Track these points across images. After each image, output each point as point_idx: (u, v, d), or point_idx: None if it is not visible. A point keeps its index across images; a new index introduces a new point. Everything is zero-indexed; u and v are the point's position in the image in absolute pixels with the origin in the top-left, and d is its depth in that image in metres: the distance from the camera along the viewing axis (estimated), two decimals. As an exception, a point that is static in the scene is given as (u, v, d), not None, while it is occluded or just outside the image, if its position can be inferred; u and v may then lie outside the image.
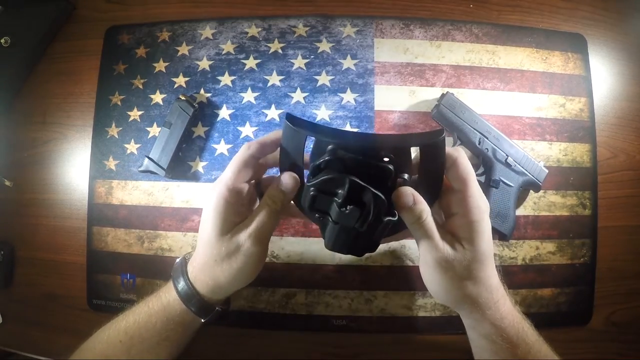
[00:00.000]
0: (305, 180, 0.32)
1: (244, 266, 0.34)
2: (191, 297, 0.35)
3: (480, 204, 0.32)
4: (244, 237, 0.33)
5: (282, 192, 0.33)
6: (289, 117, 0.32)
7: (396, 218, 0.31)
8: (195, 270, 0.36)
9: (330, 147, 0.31)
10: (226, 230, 0.33)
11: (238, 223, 0.34)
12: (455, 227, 0.33)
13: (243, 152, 0.34)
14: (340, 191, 0.29)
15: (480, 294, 0.32)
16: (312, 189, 0.30)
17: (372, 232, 0.31)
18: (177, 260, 0.38)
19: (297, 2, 0.53)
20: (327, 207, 0.30)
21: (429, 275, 0.33)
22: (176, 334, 0.37)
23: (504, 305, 0.33)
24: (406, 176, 0.33)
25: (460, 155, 0.32)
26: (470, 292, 0.32)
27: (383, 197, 0.29)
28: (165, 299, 0.36)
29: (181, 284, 0.36)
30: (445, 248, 0.32)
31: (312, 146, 0.33)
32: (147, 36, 0.54)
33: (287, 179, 0.33)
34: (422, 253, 0.33)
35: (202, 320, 0.36)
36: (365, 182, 0.29)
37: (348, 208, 0.29)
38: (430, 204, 0.33)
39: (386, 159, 0.30)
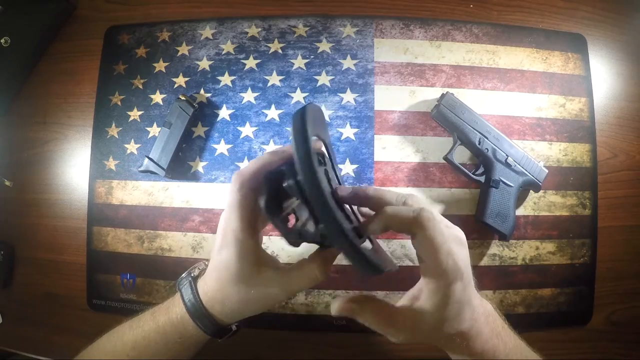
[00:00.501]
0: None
1: (265, 304, 0.33)
2: (206, 323, 0.34)
3: (448, 265, 0.30)
4: (280, 290, 0.32)
5: (325, 270, 0.32)
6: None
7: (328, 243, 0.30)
8: (209, 293, 0.34)
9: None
10: (251, 247, 0.32)
11: (257, 228, 0.33)
12: (425, 285, 0.32)
13: (270, 154, 0.32)
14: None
15: (446, 344, 0.33)
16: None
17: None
18: (183, 275, 0.37)
19: (297, 2, 0.53)
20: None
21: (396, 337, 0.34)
22: (188, 352, 0.36)
23: (474, 344, 0.33)
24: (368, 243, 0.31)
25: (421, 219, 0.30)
26: (437, 343, 0.34)
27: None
28: (174, 314, 0.35)
29: (193, 305, 0.34)
30: (404, 332, 0.32)
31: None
32: (147, 36, 0.54)
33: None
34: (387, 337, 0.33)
35: (219, 340, 0.36)
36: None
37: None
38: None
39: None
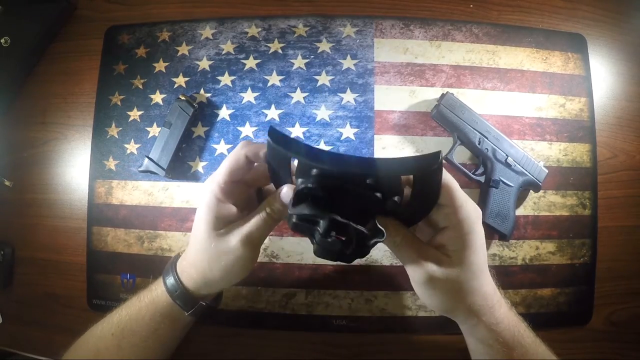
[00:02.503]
0: (289, 203, 0.30)
1: (232, 266, 0.34)
2: (176, 289, 0.36)
3: (469, 214, 0.31)
4: (236, 238, 0.33)
5: (281, 203, 0.33)
6: (272, 132, 0.29)
7: (384, 238, 0.30)
8: (184, 264, 0.36)
9: (314, 171, 0.29)
10: (217, 227, 0.33)
11: (230, 222, 0.34)
12: (445, 241, 0.32)
13: (237, 151, 0.33)
14: (322, 222, 0.28)
15: (474, 302, 0.33)
16: (293, 217, 0.29)
17: (360, 248, 0.30)
18: (173, 256, 0.39)
19: (297, 2, 0.53)
20: (310, 232, 0.30)
21: (420, 292, 0.34)
22: (165, 327, 0.37)
23: (499, 309, 0.33)
24: (396, 198, 0.31)
25: None
26: (463, 302, 0.33)
27: (365, 231, 0.28)
28: (154, 292, 0.37)
29: (169, 278, 0.36)
30: (428, 267, 0.32)
31: (296, 162, 0.32)
32: (147, 36, 0.54)
33: (287, 192, 0.32)
34: (409, 273, 0.34)
35: (186, 314, 0.36)
36: (350, 211, 0.28)
37: (330, 238, 0.28)
38: (418, 221, 0.33)
39: (373, 186, 0.29)
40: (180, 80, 0.52)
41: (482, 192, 0.48)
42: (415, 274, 0.32)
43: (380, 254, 0.49)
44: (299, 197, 0.29)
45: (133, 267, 0.50)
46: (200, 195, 0.35)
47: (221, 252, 0.33)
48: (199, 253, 0.34)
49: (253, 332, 0.48)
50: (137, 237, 0.51)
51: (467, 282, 0.32)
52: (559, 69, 0.52)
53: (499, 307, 0.33)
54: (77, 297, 0.51)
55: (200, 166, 0.51)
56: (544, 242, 0.49)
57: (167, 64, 0.53)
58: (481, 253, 0.32)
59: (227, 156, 0.34)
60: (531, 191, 0.49)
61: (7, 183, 0.53)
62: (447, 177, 0.31)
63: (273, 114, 0.51)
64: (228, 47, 0.52)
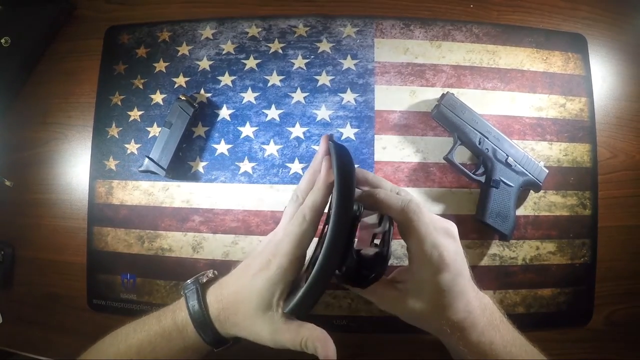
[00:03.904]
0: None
1: (259, 335, 0.33)
2: (205, 326, 0.34)
3: (430, 251, 0.32)
4: (305, 333, 0.32)
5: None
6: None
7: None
8: (223, 302, 0.34)
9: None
10: (284, 296, 0.32)
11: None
12: (404, 277, 0.35)
13: (304, 225, 0.31)
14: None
15: (439, 333, 0.35)
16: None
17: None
18: (190, 281, 0.36)
19: (297, 2, 0.53)
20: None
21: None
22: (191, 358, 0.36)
23: (470, 335, 0.34)
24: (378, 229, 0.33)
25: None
26: (429, 330, 0.35)
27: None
28: (180, 322, 0.34)
29: (195, 310, 0.34)
30: (392, 306, 0.34)
31: None
32: (147, 36, 0.54)
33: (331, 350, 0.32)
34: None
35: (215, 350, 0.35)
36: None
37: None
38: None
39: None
40: (181, 80, 0.52)
41: (482, 192, 0.48)
42: (392, 311, 0.35)
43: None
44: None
45: (133, 267, 0.50)
46: (280, 230, 0.34)
47: (285, 330, 0.32)
48: (246, 308, 0.32)
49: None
50: (137, 237, 0.51)
51: (432, 317, 0.34)
52: (559, 69, 0.52)
53: (471, 332, 0.34)
54: (77, 297, 0.51)
55: (200, 166, 0.51)
56: (544, 242, 0.49)
57: (167, 64, 0.53)
58: (443, 296, 0.33)
59: (293, 223, 0.32)
60: (531, 191, 0.49)
61: (7, 183, 0.53)
62: (415, 218, 0.32)
63: (273, 114, 0.51)
64: (228, 47, 0.52)
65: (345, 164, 0.29)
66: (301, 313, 0.31)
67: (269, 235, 0.37)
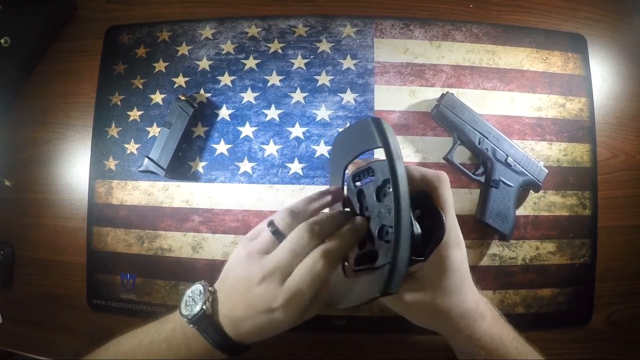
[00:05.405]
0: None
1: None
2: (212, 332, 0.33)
3: (445, 242, 0.31)
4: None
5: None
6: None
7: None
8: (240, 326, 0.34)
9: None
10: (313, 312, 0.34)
11: None
12: (417, 267, 0.33)
13: (318, 270, 0.31)
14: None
15: (451, 321, 0.33)
16: None
17: None
18: (195, 317, 0.33)
19: (297, 2, 0.53)
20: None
21: (401, 313, 0.36)
22: None
23: (482, 325, 0.34)
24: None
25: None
26: (440, 321, 0.34)
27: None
28: (196, 348, 0.33)
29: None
30: (402, 295, 0.33)
31: None
32: (147, 36, 0.54)
33: None
34: (386, 301, 0.35)
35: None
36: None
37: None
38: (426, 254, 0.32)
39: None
40: (180, 80, 0.52)
41: (482, 192, 0.48)
42: (390, 303, 0.34)
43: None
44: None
45: (133, 267, 0.50)
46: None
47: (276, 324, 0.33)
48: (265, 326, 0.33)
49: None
50: (137, 237, 0.51)
51: (442, 304, 0.33)
52: (559, 69, 0.52)
53: (481, 322, 0.34)
54: (77, 297, 0.51)
55: (200, 166, 0.51)
56: (544, 242, 0.49)
57: (167, 64, 0.53)
58: (456, 276, 0.32)
59: (306, 266, 0.31)
60: (531, 191, 0.49)
61: (7, 183, 0.53)
62: (447, 185, 0.32)
63: (273, 114, 0.51)
64: (228, 47, 0.52)
65: (396, 145, 0.29)
66: (396, 287, 0.28)
67: (244, 243, 0.35)
